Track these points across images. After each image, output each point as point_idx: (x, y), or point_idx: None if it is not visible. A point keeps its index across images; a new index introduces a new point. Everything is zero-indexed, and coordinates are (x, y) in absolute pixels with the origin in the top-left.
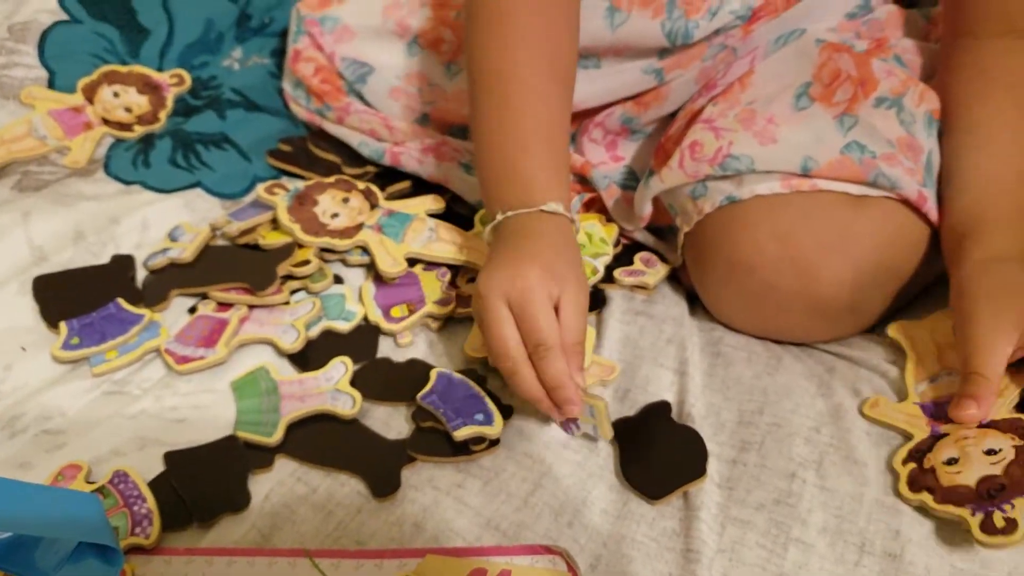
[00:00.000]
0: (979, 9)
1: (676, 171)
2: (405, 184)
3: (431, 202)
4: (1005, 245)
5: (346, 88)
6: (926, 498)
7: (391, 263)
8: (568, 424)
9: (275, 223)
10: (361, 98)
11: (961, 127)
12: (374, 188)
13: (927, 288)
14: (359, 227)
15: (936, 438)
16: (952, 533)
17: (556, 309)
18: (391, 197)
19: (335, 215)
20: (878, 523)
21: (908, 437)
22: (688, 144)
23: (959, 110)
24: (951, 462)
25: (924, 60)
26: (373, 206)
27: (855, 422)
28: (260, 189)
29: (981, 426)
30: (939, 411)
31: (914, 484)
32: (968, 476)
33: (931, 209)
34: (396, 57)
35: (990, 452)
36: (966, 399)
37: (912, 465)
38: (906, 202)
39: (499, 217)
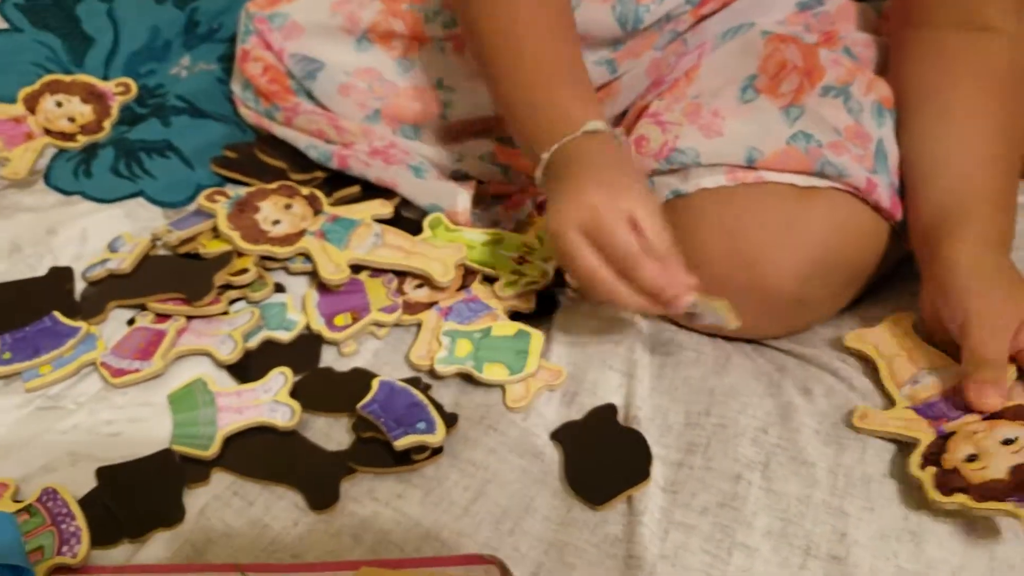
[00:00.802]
0: (932, 2)
1: None
2: (354, 189)
3: (378, 207)
4: (991, 231)
5: (295, 87)
6: (963, 499)
7: (333, 270)
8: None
9: (216, 231)
10: (310, 96)
11: (931, 112)
12: (318, 194)
13: (879, 282)
14: (301, 234)
15: (944, 438)
16: (899, 534)
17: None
18: (339, 202)
19: (276, 222)
20: (824, 525)
21: (905, 443)
22: (635, 139)
23: (927, 96)
24: (971, 459)
25: (875, 53)
26: (317, 212)
27: (804, 421)
28: (201, 197)
29: (984, 419)
30: (935, 411)
31: (944, 487)
32: (996, 469)
33: (882, 196)
34: (346, 53)
35: (1007, 442)
36: (985, 385)
37: (933, 469)
38: (856, 191)
39: (545, 156)
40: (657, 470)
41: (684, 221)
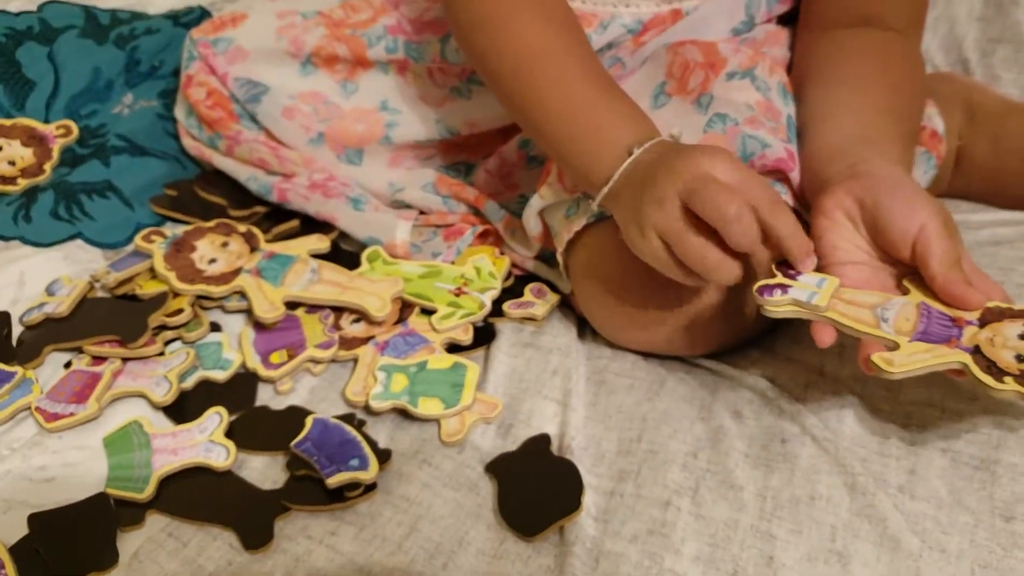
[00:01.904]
0: (833, 5)
1: (556, 187)
2: (293, 223)
3: (315, 242)
4: (905, 158)
5: (238, 111)
6: None
7: (267, 308)
8: (771, 289)
9: (154, 272)
10: (254, 120)
11: (825, 81)
12: (255, 231)
13: None
14: (237, 272)
15: (976, 354)
16: (827, 555)
17: None
18: (278, 237)
19: (213, 260)
20: (751, 549)
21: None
22: None
23: (820, 72)
24: (1021, 359)
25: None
26: (253, 249)
27: (734, 445)
28: (138, 238)
29: (980, 327)
30: (934, 336)
31: None
32: None
33: (799, 173)
34: (290, 77)
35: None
36: (966, 284)
37: (1010, 379)
38: (777, 179)
39: (637, 151)
40: (589, 499)
41: (607, 242)
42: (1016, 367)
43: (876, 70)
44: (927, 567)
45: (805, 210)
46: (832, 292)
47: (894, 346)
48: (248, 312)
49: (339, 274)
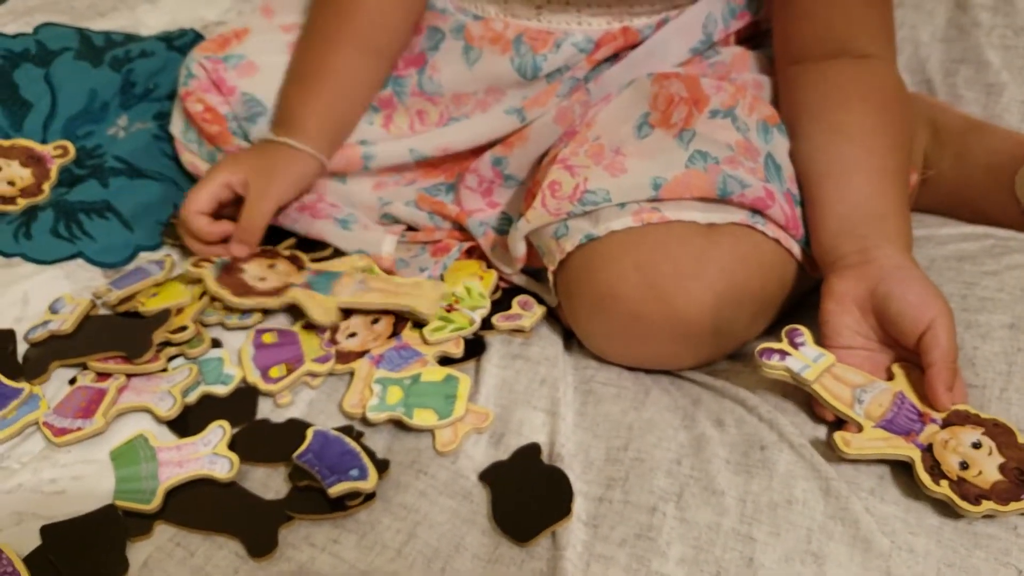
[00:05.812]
0: (808, 35)
1: (540, 210)
2: (327, 251)
3: (357, 260)
4: (908, 240)
5: (233, 130)
6: (991, 506)
7: (322, 312)
8: (771, 352)
9: (156, 289)
10: (247, 139)
11: (823, 129)
12: (299, 253)
13: (789, 312)
14: (287, 287)
15: (927, 451)
16: (803, 556)
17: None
18: (315, 261)
19: (263, 279)
20: (733, 551)
21: (890, 463)
22: (548, 184)
23: (816, 116)
24: (964, 467)
25: (765, 92)
26: (300, 268)
27: (716, 452)
28: (188, 264)
29: (942, 427)
30: (897, 426)
31: (967, 498)
32: (990, 472)
33: (782, 207)
34: None
35: (975, 446)
36: (948, 391)
37: (946, 482)
38: (758, 213)
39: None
40: (579, 505)
41: (599, 261)
42: (956, 473)
43: (875, 113)
44: (896, 566)
45: (801, 242)
46: (825, 367)
47: (859, 428)
48: (247, 329)
49: (386, 282)
